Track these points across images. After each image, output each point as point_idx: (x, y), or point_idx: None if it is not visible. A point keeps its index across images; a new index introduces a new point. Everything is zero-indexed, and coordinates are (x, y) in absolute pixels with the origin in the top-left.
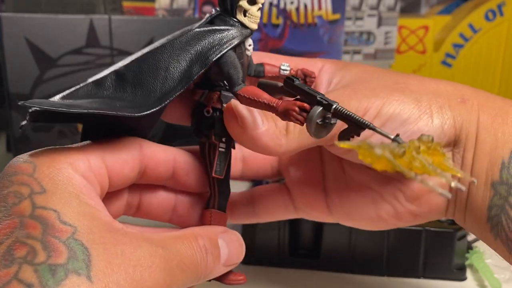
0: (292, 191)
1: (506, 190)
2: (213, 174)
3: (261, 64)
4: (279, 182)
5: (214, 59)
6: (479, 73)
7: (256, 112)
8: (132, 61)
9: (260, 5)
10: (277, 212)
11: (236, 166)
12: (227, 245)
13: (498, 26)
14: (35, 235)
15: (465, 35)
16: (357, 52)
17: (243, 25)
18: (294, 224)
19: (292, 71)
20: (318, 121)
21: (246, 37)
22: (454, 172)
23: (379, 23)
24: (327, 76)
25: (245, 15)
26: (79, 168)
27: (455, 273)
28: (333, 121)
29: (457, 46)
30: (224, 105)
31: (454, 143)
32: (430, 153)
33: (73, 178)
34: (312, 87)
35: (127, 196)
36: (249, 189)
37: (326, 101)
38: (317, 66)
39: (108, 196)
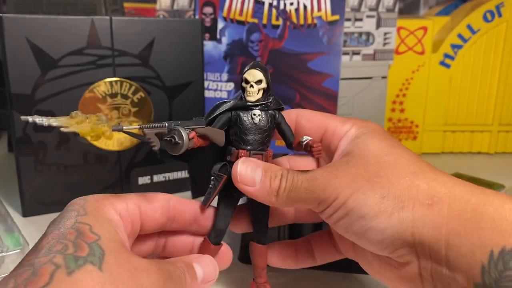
0: (335, 237)
1: None
2: (202, 204)
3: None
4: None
5: (209, 119)
6: (478, 74)
7: (257, 171)
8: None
9: (251, 83)
10: (330, 255)
11: (290, 212)
12: (201, 267)
13: (496, 27)
14: (70, 238)
15: (463, 36)
16: (356, 53)
17: (242, 99)
18: (294, 224)
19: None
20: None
21: (240, 106)
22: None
23: (378, 24)
24: (346, 142)
25: (244, 92)
26: (117, 208)
27: None
28: (173, 140)
29: (456, 47)
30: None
31: (415, 245)
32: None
33: (110, 211)
34: (325, 145)
35: (156, 239)
36: (307, 236)
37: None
38: (345, 129)
39: (142, 238)
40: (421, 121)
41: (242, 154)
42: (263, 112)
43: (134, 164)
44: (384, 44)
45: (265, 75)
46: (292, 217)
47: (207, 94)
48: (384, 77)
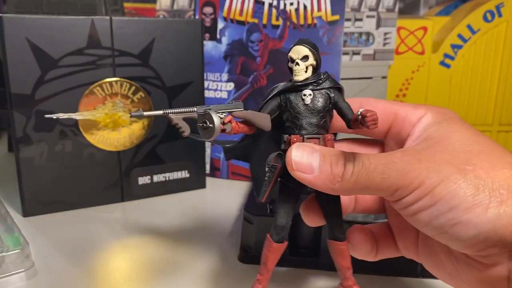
0: (394, 232)
1: None
2: (258, 197)
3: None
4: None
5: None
6: (478, 74)
7: (314, 156)
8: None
9: (297, 61)
10: (389, 251)
11: (350, 203)
12: None
13: (496, 27)
14: None
15: (463, 36)
16: (356, 53)
17: (290, 81)
18: (294, 223)
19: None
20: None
21: (288, 88)
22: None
23: (378, 24)
24: (421, 128)
25: (291, 72)
26: None
27: None
28: (205, 124)
29: (456, 47)
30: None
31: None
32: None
33: None
34: (395, 132)
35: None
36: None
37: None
38: (418, 114)
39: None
40: None
41: (295, 139)
42: (315, 92)
43: (134, 164)
44: (384, 44)
45: (312, 50)
46: (351, 208)
47: (207, 94)
48: (384, 77)
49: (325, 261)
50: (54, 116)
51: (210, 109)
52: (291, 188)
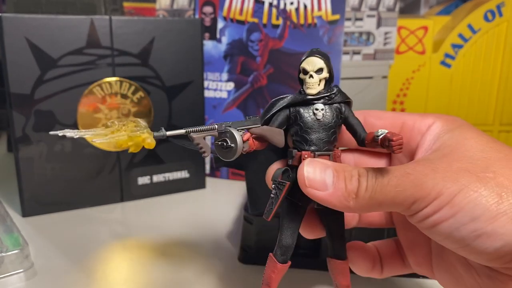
0: (403, 248)
1: None
2: (264, 216)
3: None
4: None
5: (265, 118)
6: (478, 73)
7: (327, 173)
8: None
9: (311, 73)
10: (396, 268)
11: (354, 216)
12: None
13: (497, 26)
14: None
15: (464, 35)
16: (356, 53)
17: (301, 93)
18: None
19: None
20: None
21: (299, 101)
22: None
23: (379, 24)
24: (432, 137)
25: (302, 84)
26: None
27: None
28: (226, 144)
29: (456, 47)
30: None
31: None
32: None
33: None
34: (410, 147)
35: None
36: (373, 243)
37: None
38: (427, 123)
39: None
40: None
41: (306, 156)
42: (326, 106)
43: (134, 164)
44: (385, 43)
45: (326, 63)
46: (355, 221)
47: (207, 93)
48: (384, 77)
49: (325, 262)
50: (59, 133)
51: (230, 126)
52: (298, 206)
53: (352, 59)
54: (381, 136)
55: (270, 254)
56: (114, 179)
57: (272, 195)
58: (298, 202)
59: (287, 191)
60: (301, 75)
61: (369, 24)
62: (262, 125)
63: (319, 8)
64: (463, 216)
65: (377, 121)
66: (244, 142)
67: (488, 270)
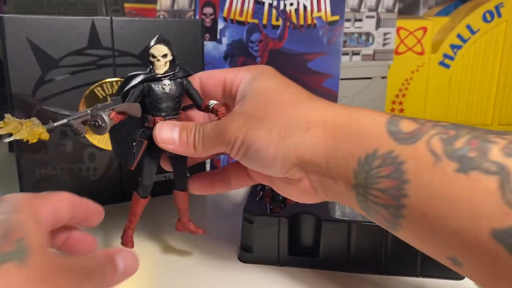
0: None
1: (363, 190)
2: (128, 166)
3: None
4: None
5: (122, 91)
6: (477, 74)
7: (175, 131)
8: None
9: (158, 58)
10: (244, 182)
11: (246, 174)
12: (123, 260)
13: (496, 27)
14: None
15: (463, 36)
16: (356, 53)
17: (151, 71)
18: (293, 222)
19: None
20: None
21: (151, 79)
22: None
23: (378, 24)
24: (241, 88)
25: (152, 65)
26: (46, 208)
27: (453, 272)
28: (97, 124)
29: (455, 47)
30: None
31: (301, 164)
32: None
33: (42, 211)
34: (227, 95)
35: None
36: (224, 166)
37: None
38: (239, 76)
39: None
40: None
41: (158, 120)
42: (171, 81)
43: None
44: (384, 44)
45: (169, 48)
46: (251, 179)
47: None
48: (383, 77)
49: (325, 261)
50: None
51: (99, 109)
52: (154, 156)
53: (351, 60)
54: (211, 106)
55: (134, 192)
56: (115, 179)
57: (134, 151)
58: (154, 153)
59: (145, 146)
60: (151, 58)
61: (368, 24)
62: (121, 95)
63: (319, 9)
64: (251, 150)
65: (209, 81)
66: (110, 119)
67: (286, 178)
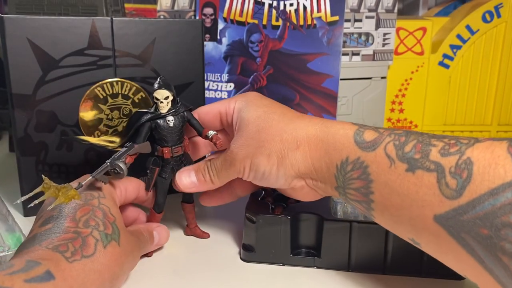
0: (238, 187)
1: (343, 190)
2: (145, 189)
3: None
4: None
5: (132, 130)
6: (477, 74)
7: (192, 175)
8: None
9: (161, 100)
10: (250, 189)
11: (241, 185)
12: (158, 234)
13: (495, 27)
14: (99, 216)
15: (462, 36)
16: (355, 54)
17: (156, 110)
18: (295, 222)
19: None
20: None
21: (156, 117)
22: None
23: (378, 25)
24: (236, 117)
25: (156, 105)
26: (118, 193)
27: (453, 272)
28: (116, 171)
29: (455, 48)
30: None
31: (299, 176)
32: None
33: (116, 196)
34: (226, 125)
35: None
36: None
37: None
38: (232, 106)
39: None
40: (420, 121)
41: (166, 150)
42: (174, 117)
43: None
44: (384, 44)
45: (169, 90)
46: (256, 187)
47: (208, 94)
48: (383, 78)
49: (325, 261)
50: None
51: (116, 159)
52: (165, 180)
53: (351, 60)
54: (210, 137)
55: (151, 208)
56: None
57: (148, 177)
58: (165, 178)
59: (157, 172)
60: (155, 100)
61: (368, 25)
62: (131, 133)
63: (319, 9)
64: (258, 175)
65: (206, 116)
66: (126, 164)
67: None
